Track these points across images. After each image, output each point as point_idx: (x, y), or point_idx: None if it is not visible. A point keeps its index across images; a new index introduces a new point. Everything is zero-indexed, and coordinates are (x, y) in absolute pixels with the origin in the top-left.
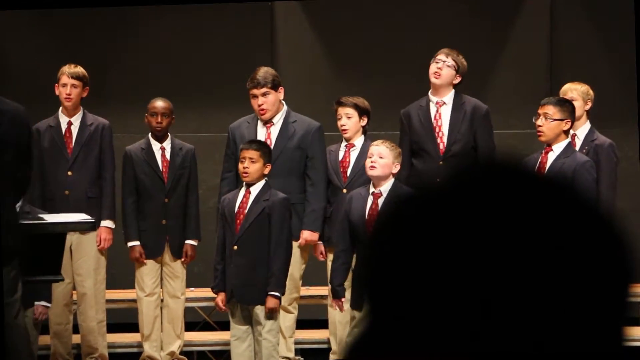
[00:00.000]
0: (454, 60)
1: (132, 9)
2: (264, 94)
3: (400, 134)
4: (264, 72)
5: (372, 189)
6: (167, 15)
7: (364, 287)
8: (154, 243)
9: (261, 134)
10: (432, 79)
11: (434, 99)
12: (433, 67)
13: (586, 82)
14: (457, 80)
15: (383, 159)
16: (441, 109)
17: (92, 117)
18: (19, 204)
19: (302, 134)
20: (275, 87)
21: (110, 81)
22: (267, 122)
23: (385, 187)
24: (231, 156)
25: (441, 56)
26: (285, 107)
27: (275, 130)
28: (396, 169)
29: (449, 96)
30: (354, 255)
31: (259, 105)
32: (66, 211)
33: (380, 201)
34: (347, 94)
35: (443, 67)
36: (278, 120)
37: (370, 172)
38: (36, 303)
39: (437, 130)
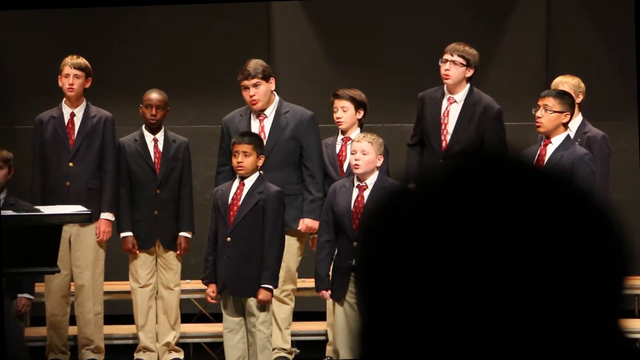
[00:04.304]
0: (460, 55)
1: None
2: (255, 85)
3: (416, 120)
4: (255, 63)
5: (357, 182)
6: (165, 8)
7: (357, 281)
8: (146, 234)
9: (254, 126)
10: (443, 81)
11: (447, 94)
12: (442, 69)
13: (582, 75)
14: (470, 73)
15: (366, 155)
16: (451, 106)
17: (95, 109)
18: (2, 195)
19: (295, 124)
20: (266, 78)
21: (108, 73)
22: (260, 114)
23: (371, 180)
24: (226, 150)
25: (447, 55)
26: (277, 98)
27: (268, 122)
28: (379, 162)
29: (461, 94)
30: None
31: (251, 96)
32: (67, 202)
33: (366, 193)
34: (342, 86)
35: (451, 67)
36: (271, 112)
37: (355, 171)
38: (19, 295)
39: (443, 127)
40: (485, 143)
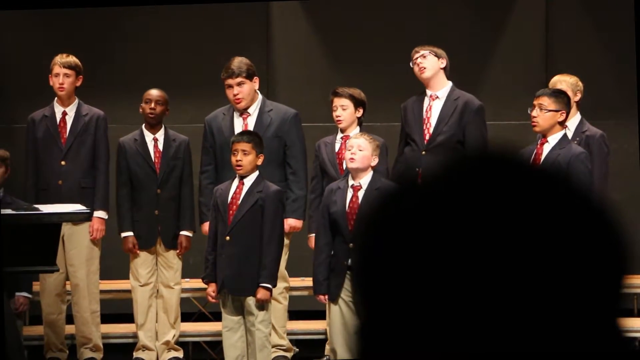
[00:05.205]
0: (427, 50)
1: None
2: (239, 84)
3: (401, 127)
4: (239, 61)
5: (351, 182)
6: (164, 8)
7: (355, 281)
8: (147, 233)
9: (238, 124)
10: (422, 76)
11: (429, 92)
12: (415, 68)
13: (582, 74)
14: (443, 63)
15: (362, 151)
16: (433, 102)
17: (87, 107)
18: None
19: (279, 122)
20: (250, 77)
21: (104, 72)
22: (243, 113)
23: (365, 180)
24: (209, 149)
25: (415, 55)
26: (260, 97)
27: (251, 120)
28: (375, 161)
29: (443, 91)
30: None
31: (235, 95)
32: (59, 201)
33: (360, 194)
34: (342, 85)
35: (423, 60)
36: (254, 111)
37: (350, 165)
38: (17, 294)
39: (425, 121)
40: (466, 137)
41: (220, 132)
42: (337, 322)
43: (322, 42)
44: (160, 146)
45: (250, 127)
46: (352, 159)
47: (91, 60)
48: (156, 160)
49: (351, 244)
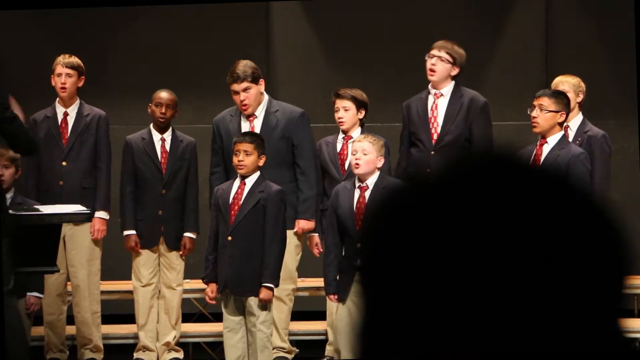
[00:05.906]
0: (447, 52)
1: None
2: (245, 89)
3: (402, 126)
4: (243, 65)
5: (357, 182)
6: (165, 8)
7: (362, 280)
8: (150, 233)
9: (245, 126)
10: (428, 77)
11: (432, 90)
12: (428, 64)
13: (582, 74)
14: (455, 71)
15: (367, 155)
16: (438, 100)
17: (88, 107)
18: (9, 195)
19: (286, 122)
20: (255, 80)
21: (108, 73)
22: (250, 115)
23: (372, 180)
24: (218, 150)
25: (434, 51)
26: (266, 97)
27: (258, 122)
28: (380, 162)
29: (447, 88)
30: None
31: (241, 101)
32: (60, 202)
33: (367, 194)
34: (342, 86)
35: (437, 62)
36: (260, 112)
37: (355, 171)
38: (28, 294)
39: (432, 120)
40: (473, 135)
41: (228, 135)
42: (344, 322)
43: (322, 42)
44: (168, 146)
45: (257, 130)
46: (357, 164)
47: (92, 62)
48: (163, 161)
49: (359, 244)
